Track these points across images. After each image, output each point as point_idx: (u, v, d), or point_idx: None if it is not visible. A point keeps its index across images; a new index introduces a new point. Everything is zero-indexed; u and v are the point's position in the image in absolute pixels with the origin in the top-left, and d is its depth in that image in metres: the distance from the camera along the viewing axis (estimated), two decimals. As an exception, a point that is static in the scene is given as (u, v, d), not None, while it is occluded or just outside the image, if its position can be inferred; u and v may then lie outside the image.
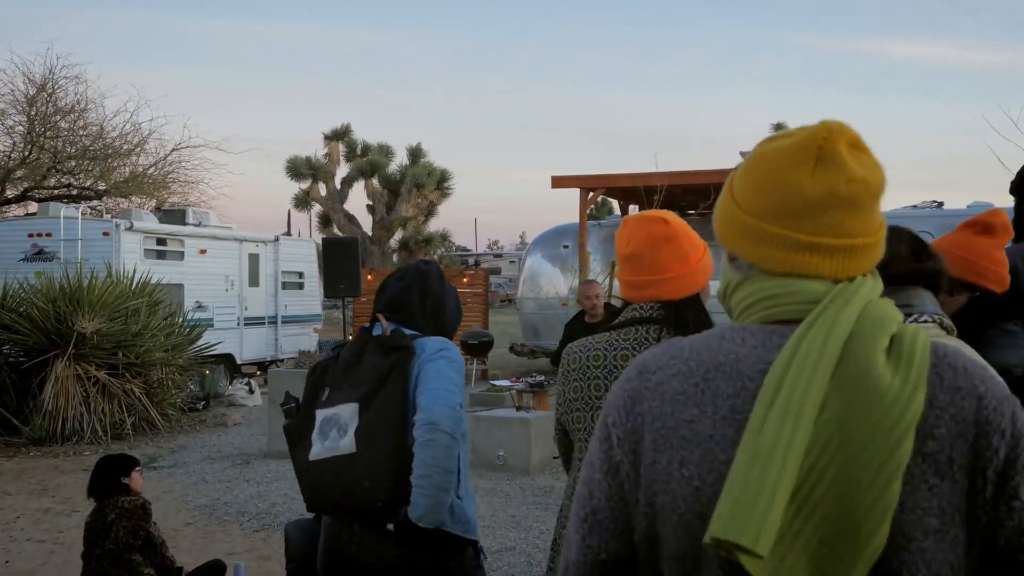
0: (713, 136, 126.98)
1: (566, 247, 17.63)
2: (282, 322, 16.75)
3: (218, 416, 12.87)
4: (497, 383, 10.33)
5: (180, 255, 14.49)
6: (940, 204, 16.72)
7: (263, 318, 16.34)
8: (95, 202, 16.08)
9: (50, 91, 17.19)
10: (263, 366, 17.05)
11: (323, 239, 12.20)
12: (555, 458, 8.97)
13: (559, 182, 14.95)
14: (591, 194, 14.87)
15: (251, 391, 14.20)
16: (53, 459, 9.85)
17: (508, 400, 13.67)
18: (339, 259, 11.84)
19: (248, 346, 15.91)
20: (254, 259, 16.19)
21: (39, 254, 13.54)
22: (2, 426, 10.74)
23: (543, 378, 10.21)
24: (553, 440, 2.81)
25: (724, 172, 14.44)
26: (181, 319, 12.80)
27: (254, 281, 16.15)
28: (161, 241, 14.23)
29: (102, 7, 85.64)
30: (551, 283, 17.75)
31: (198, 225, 15.30)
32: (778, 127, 25.77)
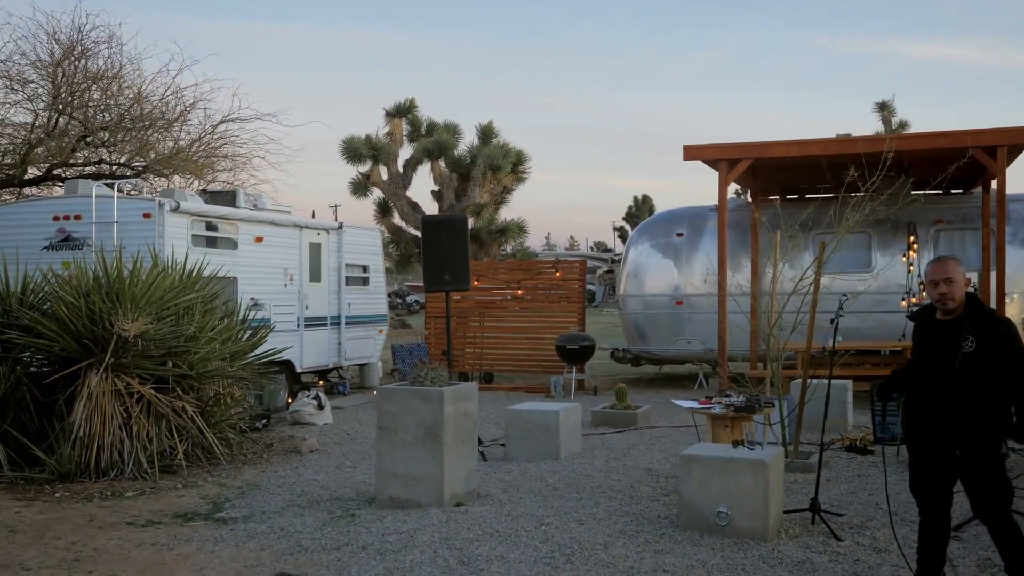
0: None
1: (680, 235, 15.04)
2: (346, 323, 14.31)
3: (285, 440, 10.37)
4: (682, 403, 7.78)
5: (233, 243, 12.06)
6: None
7: (325, 319, 13.92)
8: (133, 181, 13.64)
9: (78, 53, 14.80)
10: (324, 375, 14.65)
11: (424, 218, 9.68)
12: (798, 511, 6.38)
13: (694, 152, 12.36)
14: (737, 165, 12.23)
15: (320, 406, 11.69)
16: (86, 504, 7.37)
17: (640, 420, 11.16)
18: (443, 242, 9.32)
19: (309, 352, 13.49)
20: (315, 249, 13.76)
21: (66, 240, 11.15)
22: (21, 456, 8.31)
23: (742, 398, 7.62)
24: None
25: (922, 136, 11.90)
26: (240, 318, 10.32)
27: (315, 275, 13.74)
28: (211, 226, 11.79)
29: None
30: (661, 278, 15.16)
31: (253, 208, 12.85)
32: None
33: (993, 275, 12.83)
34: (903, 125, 24.20)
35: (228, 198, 12.91)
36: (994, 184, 13.32)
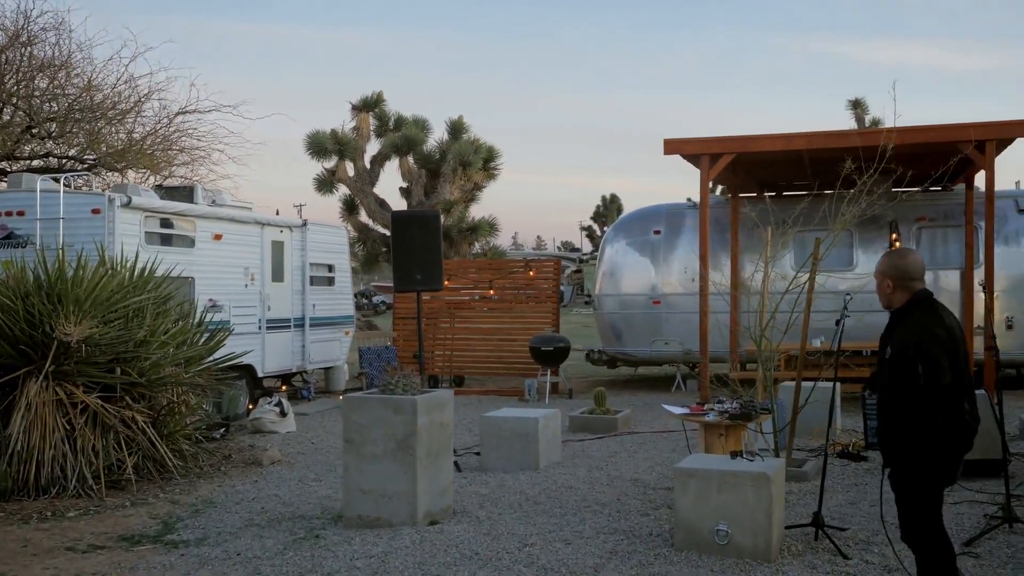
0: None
1: (657, 233, 14.57)
2: (310, 325, 13.68)
3: (245, 450, 9.74)
4: (673, 410, 7.25)
5: (190, 241, 11.40)
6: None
7: (288, 320, 13.29)
8: (85, 175, 12.89)
9: (24, 40, 13.98)
10: (287, 379, 14.02)
11: (394, 214, 9.12)
12: (800, 526, 5.90)
13: (674, 146, 11.87)
14: (719, 160, 11.76)
15: (283, 413, 11.06)
16: (22, 526, 6.71)
17: (620, 425, 10.67)
18: (415, 239, 8.74)
19: (271, 355, 12.85)
20: (278, 248, 13.12)
21: (8, 238, 10.43)
22: (-48, 472, 7.60)
23: (736, 403, 7.11)
24: None
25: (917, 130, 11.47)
26: (197, 321, 9.67)
27: (278, 275, 13.10)
28: (166, 223, 11.12)
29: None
30: (638, 276, 14.68)
31: (211, 204, 12.19)
32: None
33: (978, 272, 12.54)
34: (876, 123, 23.96)
35: (185, 194, 12.24)
36: (978, 180, 13.03)
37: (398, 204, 18.66)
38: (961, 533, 6.04)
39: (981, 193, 12.30)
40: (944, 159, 10.33)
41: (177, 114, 15.76)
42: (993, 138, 11.06)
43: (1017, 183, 15.58)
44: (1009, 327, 12.78)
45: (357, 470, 6.45)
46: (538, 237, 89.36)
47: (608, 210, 64.25)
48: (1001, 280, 12.67)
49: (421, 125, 18.39)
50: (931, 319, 4.14)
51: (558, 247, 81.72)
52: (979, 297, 12.61)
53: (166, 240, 11.07)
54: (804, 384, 7.67)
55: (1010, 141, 11.36)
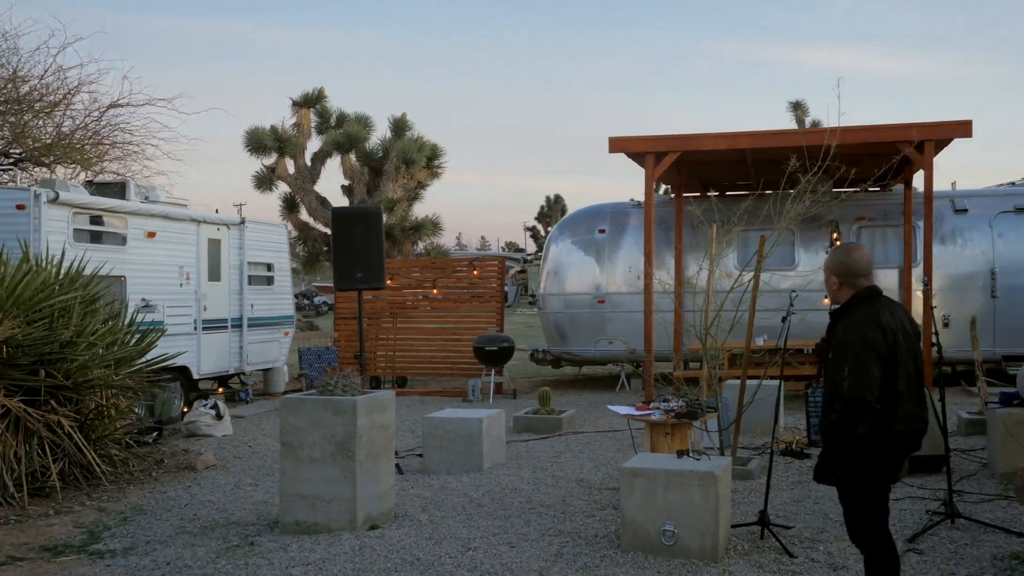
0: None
1: (602, 232, 14.51)
2: (248, 326, 13.34)
3: (178, 455, 9.42)
4: (618, 410, 7.13)
5: (121, 239, 11.01)
6: (1047, 180, 14.14)
7: (225, 321, 12.94)
8: (10, 170, 12.37)
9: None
10: (225, 381, 13.66)
11: (335, 210, 8.88)
12: (746, 525, 5.85)
13: (620, 144, 11.79)
14: (664, 159, 11.70)
15: (219, 416, 10.74)
16: (-62, 537, 6.35)
17: (565, 425, 10.57)
18: (356, 237, 8.52)
19: (207, 356, 12.49)
20: (215, 246, 12.77)
21: (-74, 234, 9.93)
22: None
23: (681, 402, 7.02)
24: None
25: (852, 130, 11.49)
26: (128, 322, 9.32)
27: (215, 274, 12.75)
28: (96, 220, 10.73)
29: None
30: (582, 276, 14.59)
31: (145, 201, 11.80)
32: None
33: (917, 271, 12.71)
34: (816, 124, 24.28)
35: (117, 190, 11.83)
36: (916, 181, 13.20)
37: (340, 202, 18.34)
38: (904, 529, 6.04)
39: (919, 193, 12.46)
40: (885, 159, 10.42)
41: (109, 107, 15.26)
42: (932, 138, 11.19)
43: (953, 184, 15.86)
44: (946, 325, 12.96)
45: (294, 474, 6.23)
46: (482, 237, 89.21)
47: (552, 210, 64.28)
48: (938, 279, 12.86)
49: (364, 122, 18.09)
50: (868, 319, 3.99)
51: (502, 247, 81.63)
52: (916, 296, 12.78)
53: (96, 237, 10.68)
54: (749, 382, 7.64)
55: (948, 141, 11.51)
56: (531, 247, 67.67)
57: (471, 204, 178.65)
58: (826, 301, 13.56)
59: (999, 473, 7.50)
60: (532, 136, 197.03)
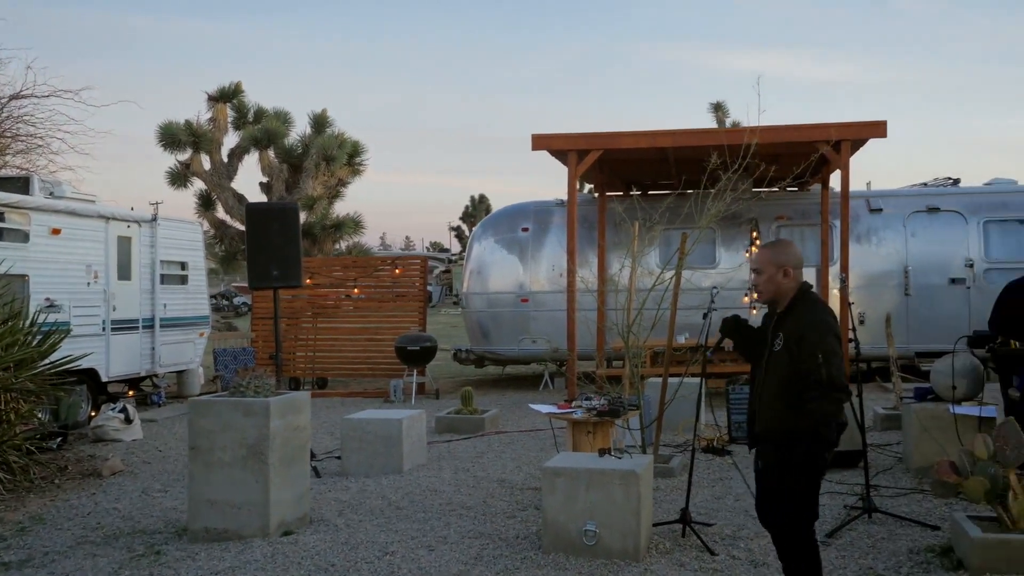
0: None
1: (526, 230, 14.44)
2: (161, 326, 12.91)
3: (84, 460, 9.01)
4: (540, 408, 7.03)
5: (23, 235, 10.54)
6: (956, 181, 14.56)
7: (136, 321, 12.50)
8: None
9: None
10: (136, 384, 13.20)
11: (248, 205, 8.60)
12: (668, 523, 5.81)
13: (542, 142, 11.71)
14: (586, 157, 11.66)
15: (128, 420, 10.33)
16: None
17: (487, 425, 10.45)
18: (272, 233, 8.25)
19: (117, 358, 12.05)
20: (125, 244, 12.32)
21: None
22: None
23: (603, 400, 6.95)
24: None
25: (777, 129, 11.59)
26: (29, 322, 8.89)
27: (125, 273, 12.31)
28: (-4, 215, 10.23)
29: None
30: (506, 274, 14.50)
31: (50, 196, 11.31)
32: None
33: (833, 270, 12.93)
34: (736, 125, 24.66)
35: (19, 185, 11.32)
36: (833, 181, 13.45)
37: (258, 200, 17.93)
38: (823, 524, 6.06)
39: (836, 193, 12.68)
40: (804, 158, 10.54)
41: (11, 99, 14.60)
42: (849, 138, 11.38)
43: (868, 184, 16.20)
44: (861, 322, 13.22)
45: (204, 479, 5.97)
46: (407, 238, 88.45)
47: (477, 210, 64.22)
48: (854, 278, 13.09)
49: (282, 118, 17.69)
50: (825, 308, 4.14)
51: (427, 247, 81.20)
52: (834, 294, 13.00)
53: (-5, 234, 10.19)
54: (671, 380, 7.62)
55: (864, 141, 11.73)
56: (456, 247, 67.49)
57: (396, 204, 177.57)
58: (747, 299, 13.76)
59: (914, 467, 7.63)
60: (458, 136, 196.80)
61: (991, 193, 14.06)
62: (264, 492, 5.87)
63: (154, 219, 12.90)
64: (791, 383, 3.95)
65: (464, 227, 65.33)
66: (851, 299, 12.69)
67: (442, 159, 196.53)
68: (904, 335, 13.08)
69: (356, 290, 14.95)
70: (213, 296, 39.63)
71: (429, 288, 42.79)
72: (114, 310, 11.96)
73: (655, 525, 5.89)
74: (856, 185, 13.82)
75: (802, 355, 3.92)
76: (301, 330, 15.02)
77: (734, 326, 4.43)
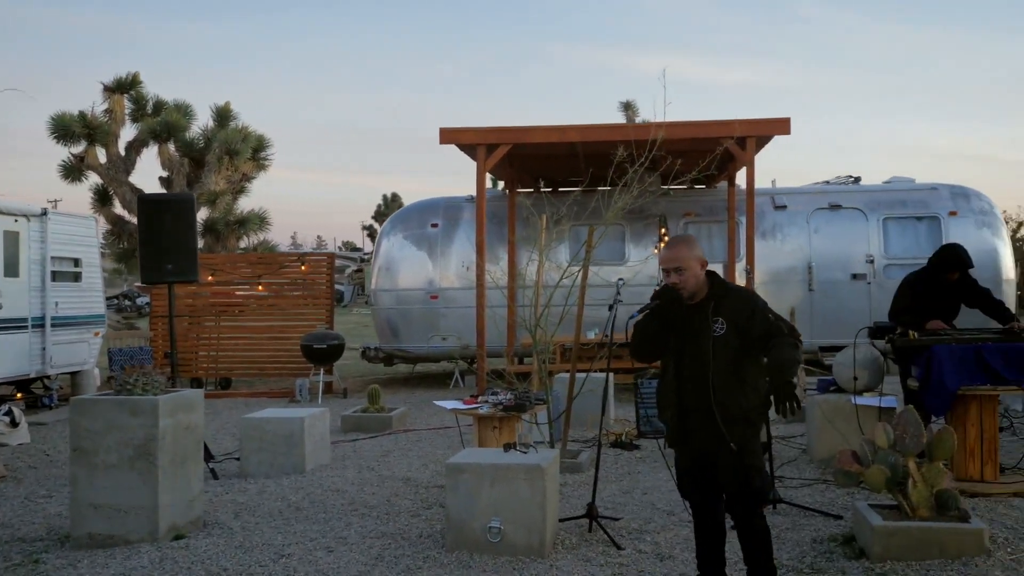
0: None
1: (435, 226, 14.25)
2: (53, 325, 12.33)
3: (-36, 466, 8.48)
4: (444, 404, 6.87)
5: (-102, 229, 9.89)
6: (857, 179, 14.93)
7: (25, 320, 11.91)
8: None
9: None
10: (26, 386, 12.58)
11: (140, 196, 8.20)
12: (574, 519, 5.74)
13: (451, 136, 11.54)
14: (495, 151, 11.53)
15: (14, 423, 9.79)
16: None
17: (395, 423, 10.25)
18: (165, 226, 7.89)
19: (3, 359, 11.45)
20: (12, 239, 11.74)
21: None
22: None
23: (510, 395, 6.83)
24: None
25: (683, 124, 11.68)
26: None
27: (12, 269, 11.73)
28: None
29: None
30: (415, 271, 14.28)
31: (-74, 187, 10.66)
32: None
33: (740, 265, 13.10)
34: (645, 122, 24.91)
35: None
36: (739, 179, 13.63)
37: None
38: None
39: (742, 190, 12.85)
40: (710, 154, 10.63)
41: None
42: (754, 134, 11.53)
43: (773, 182, 16.51)
44: (767, 317, 13.41)
45: (88, 482, 5.64)
46: (318, 237, 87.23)
47: (390, 209, 63.66)
48: (759, 273, 13.28)
49: (183, 110, 17.09)
50: (745, 287, 4.54)
51: (339, 247, 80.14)
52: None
53: None
54: (578, 375, 7.55)
55: (769, 138, 11.90)
56: (368, 247, 66.76)
57: (309, 203, 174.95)
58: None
59: (817, 458, 7.73)
60: (373, 135, 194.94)
61: (890, 191, 14.45)
62: (153, 495, 5.57)
63: (44, 213, 12.31)
64: (741, 362, 4.19)
65: (376, 226, 64.68)
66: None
67: (356, 158, 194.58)
68: (808, 330, 13.32)
69: (259, 287, 14.54)
70: (115, 296, 38.36)
71: (340, 287, 42.21)
72: (0, 308, 11.36)
73: (561, 520, 5.79)
74: (761, 183, 14.05)
75: (759, 324, 4.18)
76: (204, 329, 14.54)
77: (675, 296, 4.31)
